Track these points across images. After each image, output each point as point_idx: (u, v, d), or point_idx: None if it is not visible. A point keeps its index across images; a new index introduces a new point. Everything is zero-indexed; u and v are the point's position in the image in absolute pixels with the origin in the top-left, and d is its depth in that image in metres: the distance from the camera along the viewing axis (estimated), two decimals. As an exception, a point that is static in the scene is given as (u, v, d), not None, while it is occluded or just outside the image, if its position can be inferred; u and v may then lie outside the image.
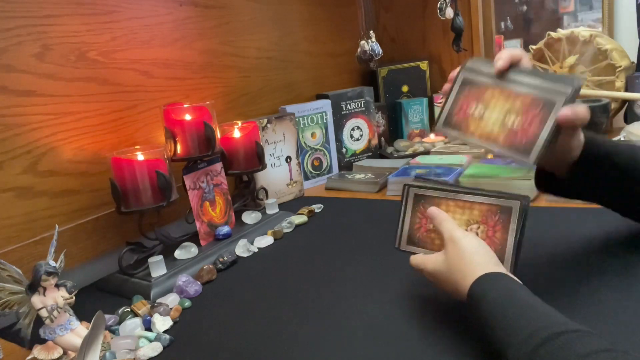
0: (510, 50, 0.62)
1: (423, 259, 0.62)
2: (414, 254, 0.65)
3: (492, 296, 0.51)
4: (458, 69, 0.67)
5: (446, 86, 0.68)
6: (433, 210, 0.62)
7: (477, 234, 0.60)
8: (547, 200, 0.95)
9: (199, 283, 0.82)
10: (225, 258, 0.89)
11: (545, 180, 0.68)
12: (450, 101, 0.66)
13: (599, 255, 0.71)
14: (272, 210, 1.11)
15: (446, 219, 0.60)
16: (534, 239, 0.69)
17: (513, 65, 0.61)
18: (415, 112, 1.62)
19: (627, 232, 0.75)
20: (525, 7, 1.69)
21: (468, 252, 0.56)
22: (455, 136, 0.65)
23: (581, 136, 0.61)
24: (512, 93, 0.60)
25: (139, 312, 0.73)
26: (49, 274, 0.58)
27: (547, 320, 0.46)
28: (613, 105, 1.36)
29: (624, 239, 0.74)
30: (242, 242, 0.95)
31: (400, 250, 0.68)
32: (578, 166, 0.62)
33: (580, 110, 0.55)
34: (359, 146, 1.48)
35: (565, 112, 0.54)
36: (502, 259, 0.57)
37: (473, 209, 0.61)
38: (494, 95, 0.62)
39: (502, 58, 0.61)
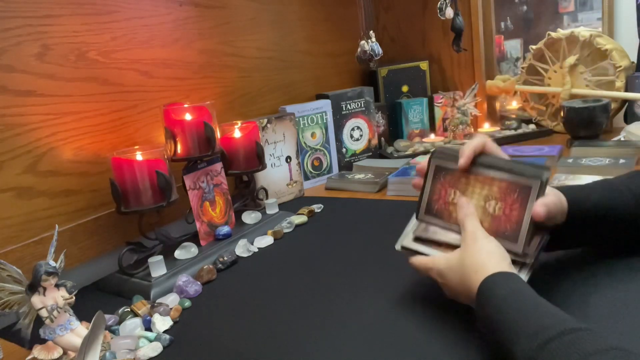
0: (472, 143, 0.63)
1: (432, 258, 0.62)
2: (416, 253, 0.65)
3: (502, 293, 0.51)
4: (427, 158, 0.68)
5: (417, 180, 0.69)
6: (462, 200, 0.62)
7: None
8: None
9: (199, 283, 0.82)
10: (225, 258, 0.89)
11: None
12: (427, 189, 0.67)
13: (601, 255, 0.71)
14: (272, 210, 1.11)
15: (472, 214, 0.61)
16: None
17: (479, 155, 0.62)
18: (415, 112, 1.62)
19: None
20: (525, 7, 1.69)
21: (485, 251, 0.57)
22: (438, 225, 0.65)
23: (564, 203, 0.61)
24: (487, 179, 0.61)
25: (139, 312, 0.73)
26: (49, 274, 0.58)
27: (557, 318, 0.47)
28: (613, 105, 1.36)
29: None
30: (242, 242, 0.95)
31: (403, 249, 0.68)
32: (568, 226, 0.62)
33: (551, 209, 0.57)
34: (359, 146, 1.48)
35: (539, 212, 0.56)
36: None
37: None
38: (469, 182, 0.63)
39: (463, 156, 0.62)
